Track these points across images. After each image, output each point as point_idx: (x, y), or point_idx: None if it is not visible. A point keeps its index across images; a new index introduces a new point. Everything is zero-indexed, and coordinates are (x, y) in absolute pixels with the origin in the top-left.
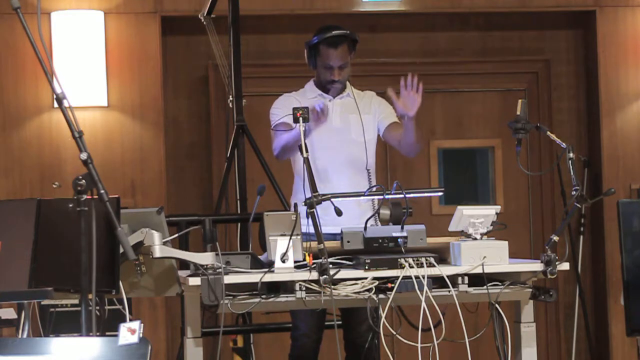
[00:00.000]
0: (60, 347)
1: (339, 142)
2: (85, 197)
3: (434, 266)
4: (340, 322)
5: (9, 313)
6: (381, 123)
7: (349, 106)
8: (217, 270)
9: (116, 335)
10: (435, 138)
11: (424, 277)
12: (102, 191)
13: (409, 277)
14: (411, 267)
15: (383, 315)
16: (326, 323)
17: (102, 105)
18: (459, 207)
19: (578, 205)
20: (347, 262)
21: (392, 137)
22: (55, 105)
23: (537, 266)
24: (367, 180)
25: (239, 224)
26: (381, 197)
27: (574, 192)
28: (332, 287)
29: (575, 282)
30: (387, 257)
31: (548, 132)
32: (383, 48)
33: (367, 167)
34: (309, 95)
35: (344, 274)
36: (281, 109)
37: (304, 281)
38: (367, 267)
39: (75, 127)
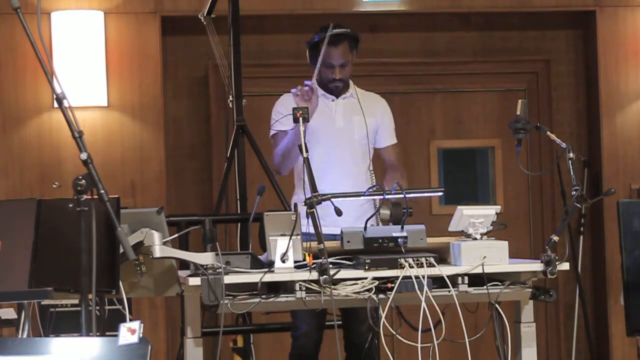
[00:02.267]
0: (60, 347)
1: (343, 143)
2: (85, 197)
3: (434, 266)
4: (340, 322)
5: (9, 313)
6: (380, 139)
7: (353, 107)
8: (217, 270)
9: (116, 335)
10: (435, 138)
11: (424, 277)
12: (102, 191)
13: (409, 277)
14: (411, 267)
15: (383, 315)
16: (327, 323)
17: (102, 105)
18: (459, 207)
19: (578, 205)
20: (347, 262)
21: (383, 160)
22: (55, 105)
23: (537, 266)
24: (370, 181)
25: (239, 224)
26: (381, 197)
27: (574, 192)
28: (332, 287)
29: (575, 282)
30: (387, 257)
31: (548, 132)
32: (383, 48)
33: (370, 167)
34: None
35: (344, 274)
36: (282, 114)
37: (304, 281)
38: (367, 267)
39: (75, 127)
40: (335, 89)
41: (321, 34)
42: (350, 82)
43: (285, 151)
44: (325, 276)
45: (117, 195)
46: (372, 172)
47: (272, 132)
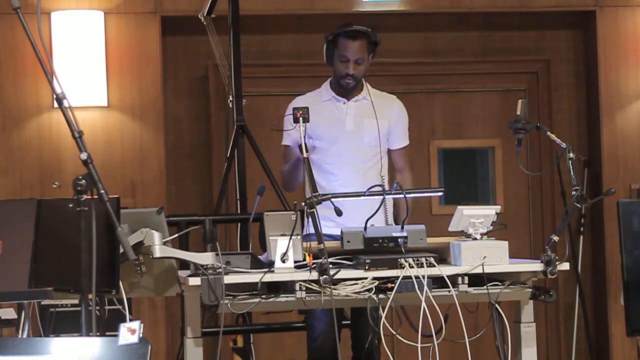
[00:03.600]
0: (60, 347)
1: (352, 147)
2: (85, 197)
3: (434, 266)
4: (348, 322)
5: (9, 313)
6: (391, 141)
7: (365, 110)
8: (217, 270)
9: (116, 335)
10: (435, 138)
11: (424, 277)
12: (102, 191)
13: (409, 277)
14: (411, 267)
15: (383, 315)
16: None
17: (102, 105)
18: (459, 207)
19: (578, 205)
20: (347, 262)
21: (393, 162)
22: (55, 105)
23: (537, 266)
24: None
25: (239, 224)
26: (381, 196)
27: (574, 192)
28: (332, 287)
29: (575, 282)
30: (387, 257)
31: (548, 132)
32: (383, 48)
33: (382, 173)
34: (324, 96)
35: (344, 274)
36: (292, 124)
37: (304, 281)
38: (367, 267)
39: (75, 127)
40: (346, 86)
41: (340, 28)
42: (365, 84)
43: (288, 177)
44: (325, 276)
45: (117, 195)
46: (383, 177)
47: (283, 142)
